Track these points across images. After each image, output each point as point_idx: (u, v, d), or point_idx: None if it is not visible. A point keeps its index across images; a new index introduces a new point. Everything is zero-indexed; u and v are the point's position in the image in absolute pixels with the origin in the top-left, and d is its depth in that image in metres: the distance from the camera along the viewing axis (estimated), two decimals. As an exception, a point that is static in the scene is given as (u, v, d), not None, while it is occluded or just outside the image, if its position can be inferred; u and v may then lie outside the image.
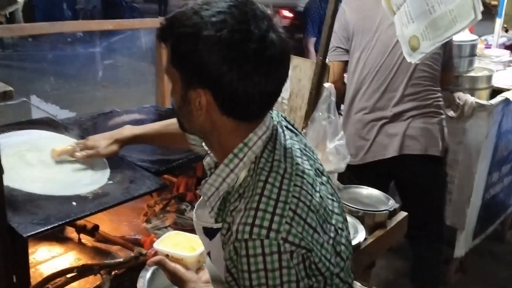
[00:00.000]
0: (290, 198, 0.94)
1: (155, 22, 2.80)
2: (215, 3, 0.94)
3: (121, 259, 1.66)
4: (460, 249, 3.25)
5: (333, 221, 1.05)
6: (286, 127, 1.13)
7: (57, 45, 6.91)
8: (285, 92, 2.80)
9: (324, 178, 1.12)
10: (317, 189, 1.02)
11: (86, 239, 1.86)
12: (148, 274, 1.64)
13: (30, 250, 1.72)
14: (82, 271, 1.60)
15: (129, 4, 11.89)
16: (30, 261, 1.63)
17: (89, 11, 10.65)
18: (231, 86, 0.92)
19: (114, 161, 1.91)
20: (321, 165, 1.15)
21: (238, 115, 0.98)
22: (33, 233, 1.43)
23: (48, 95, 4.89)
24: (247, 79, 0.92)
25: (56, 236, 1.87)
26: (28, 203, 1.57)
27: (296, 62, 2.68)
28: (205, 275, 1.26)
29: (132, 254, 1.67)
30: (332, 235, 1.02)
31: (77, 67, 6.54)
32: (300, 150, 1.07)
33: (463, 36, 3.06)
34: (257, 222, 0.90)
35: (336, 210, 1.09)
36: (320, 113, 2.42)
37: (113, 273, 1.64)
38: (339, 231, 1.07)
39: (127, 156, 1.98)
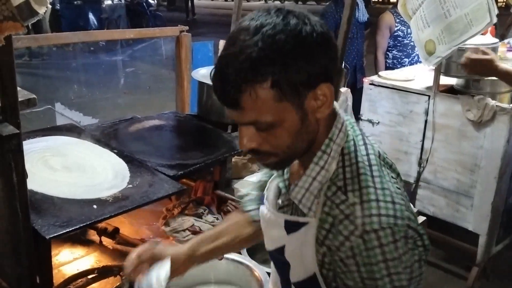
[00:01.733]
0: (391, 185, 0.97)
1: (175, 30, 2.87)
2: (258, 20, 0.90)
3: (140, 261, 1.70)
4: (483, 255, 3.20)
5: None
6: None
7: (81, 54, 7.08)
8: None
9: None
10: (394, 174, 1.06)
11: (107, 241, 1.91)
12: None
13: (53, 252, 1.78)
14: (102, 273, 1.65)
15: (153, 12, 12.09)
16: (53, 263, 1.68)
17: (114, 20, 10.85)
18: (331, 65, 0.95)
19: (134, 166, 1.96)
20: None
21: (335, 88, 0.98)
22: (55, 235, 1.48)
23: (72, 102, 5.01)
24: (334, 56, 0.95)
25: (78, 238, 1.92)
26: (51, 206, 1.62)
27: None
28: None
29: (151, 256, 1.70)
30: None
31: (100, 75, 6.69)
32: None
33: (484, 39, 3.03)
34: (383, 212, 0.91)
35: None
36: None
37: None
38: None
39: (146, 161, 2.04)
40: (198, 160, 2.11)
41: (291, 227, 1.05)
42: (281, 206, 1.09)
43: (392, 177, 1.01)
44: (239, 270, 1.81)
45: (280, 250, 1.09)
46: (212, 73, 0.92)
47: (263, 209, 1.15)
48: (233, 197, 2.19)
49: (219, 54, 0.93)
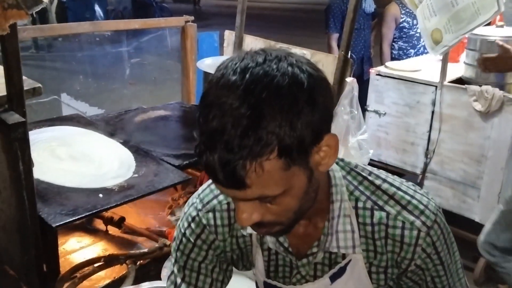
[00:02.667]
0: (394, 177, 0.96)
1: (180, 20, 2.86)
2: (243, 73, 0.73)
3: (146, 250, 1.72)
4: (489, 246, 3.19)
5: None
6: None
7: (86, 45, 7.08)
8: (307, 88, 2.81)
9: None
10: None
11: (113, 230, 1.92)
12: (172, 265, 1.69)
13: (60, 241, 1.80)
14: (108, 261, 1.66)
15: (159, 4, 12.07)
16: (60, 251, 1.70)
17: (120, 12, 10.84)
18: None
19: (140, 156, 1.97)
20: None
21: None
22: (61, 223, 1.50)
23: (78, 93, 5.02)
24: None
25: (85, 227, 1.94)
26: (57, 195, 1.64)
27: (318, 57, 2.69)
28: None
29: (157, 245, 1.72)
30: None
31: (106, 66, 6.69)
32: None
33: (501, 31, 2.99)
34: (424, 202, 0.91)
35: None
36: (343, 108, 2.43)
37: (138, 263, 1.70)
38: None
39: (152, 150, 2.04)
40: (203, 150, 2.11)
41: (335, 277, 0.97)
42: (303, 275, 0.98)
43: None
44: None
45: None
46: (200, 152, 0.73)
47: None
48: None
49: (200, 130, 0.73)
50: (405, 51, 4.27)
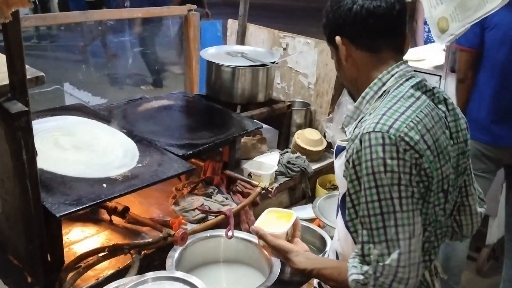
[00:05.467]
0: (414, 116, 1.11)
1: (183, 9, 2.84)
2: None
3: (150, 240, 1.71)
4: (493, 236, 3.18)
5: (448, 161, 1.17)
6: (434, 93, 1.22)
7: (89, 34, 7.04)
8: (311, 77, 2.79)
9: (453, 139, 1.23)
10: (440, 131, 1.17)
11: (117, 220, 1.92)
12: (176, 254, 1.69)
13: (64, 231, 1.80)
14: (113, 251, 1.66)
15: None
16: (64, 241, 1.70)
17: (124, 2, 10.78)
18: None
19: (143, 145, 1.96)
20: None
21: (368, 46, 1.20)
22: (65, 213, 1.49)
23: (81, 82, 5.00)
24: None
25: (89, 217, 1.93)
26: (61, 185, 1.63)
27: (322, 46, 2.67)
28: (303, 246, 1.34)
29: (161, 235, 1.71)
30: (444, 169, 1.14)
31: (108, 55, 6.68)
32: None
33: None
34: (382, 121, 1.08)
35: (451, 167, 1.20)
36: (347, 98, 2.41)
37: (142, 253, 1.69)
38: (453, 175, 1.21)
39: (155, 140, 2.03)
40: (207, 140, 2.10)
41: (337, 152, 1.26)
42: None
43: (427, 104, 1.16)
44: (248, 249, 1.82)
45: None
46: None
47: None
48: (242, 177, 2.18)
49: None
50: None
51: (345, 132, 1.26)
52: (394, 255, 1.05)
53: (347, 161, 1.13)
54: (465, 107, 2.44)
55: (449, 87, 3.04)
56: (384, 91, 1.18)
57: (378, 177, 1.05)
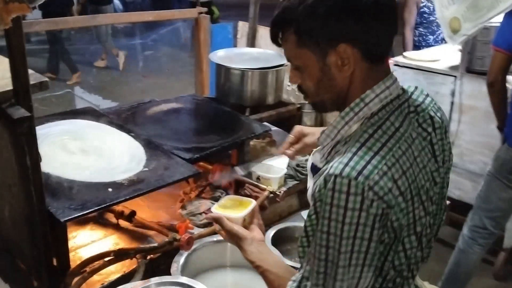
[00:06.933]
0: (389, 156, 1.00)
1: (194, 12, 2.83)
2: None
3: (155, 244, 1.70)
4: (510, 240, 3.11)
5: (425, 202, 1.07)
6: (428, 115, 1.13)
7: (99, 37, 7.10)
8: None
9: (441, 166, 1.14)
10: (421, 165, 1.07)
11: (124, 224, 1.91)
12: (182, 259, 1.68)
13: (71, 235, 1.80)
14: (118, 255, 1.65)
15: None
16: (70, 245, 1.70)
17: (139, 4, 10.86)
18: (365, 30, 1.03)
19: (151, 149, 1.95)
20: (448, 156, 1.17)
21: (371, 55, 1.06)
22: (70, 218, 1.49)
23: (92, 86, 5.04)
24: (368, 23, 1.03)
25: (96, 221, 1.93)
26: (66, 190, 1.63)
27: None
28: (259, 234, 1.32)
29: (167, 239, 1.70)
30: (416, 212, 1.05)
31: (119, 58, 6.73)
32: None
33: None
34: (351, 163, 0.97)
35: (433, 198, 1.12)
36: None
37: (148, 257, 1.68)
38: (427, 217, 1.09)
39: (163, 144, 2.02)
40: (215, 143, 2.09)
41: (313, 172, 1.20)
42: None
43: (408, 135, 1.05)
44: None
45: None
46: None
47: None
48: (251, 181, 2.16)
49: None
50: (424, 37, 4.18)
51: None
52: None
53: (312, 194, 1.04)
54: (501, 113, 2.37)
55: (464, 88, 2.98)
56: (364, 118, 1.07)
57: (334, 225, 0.97)
